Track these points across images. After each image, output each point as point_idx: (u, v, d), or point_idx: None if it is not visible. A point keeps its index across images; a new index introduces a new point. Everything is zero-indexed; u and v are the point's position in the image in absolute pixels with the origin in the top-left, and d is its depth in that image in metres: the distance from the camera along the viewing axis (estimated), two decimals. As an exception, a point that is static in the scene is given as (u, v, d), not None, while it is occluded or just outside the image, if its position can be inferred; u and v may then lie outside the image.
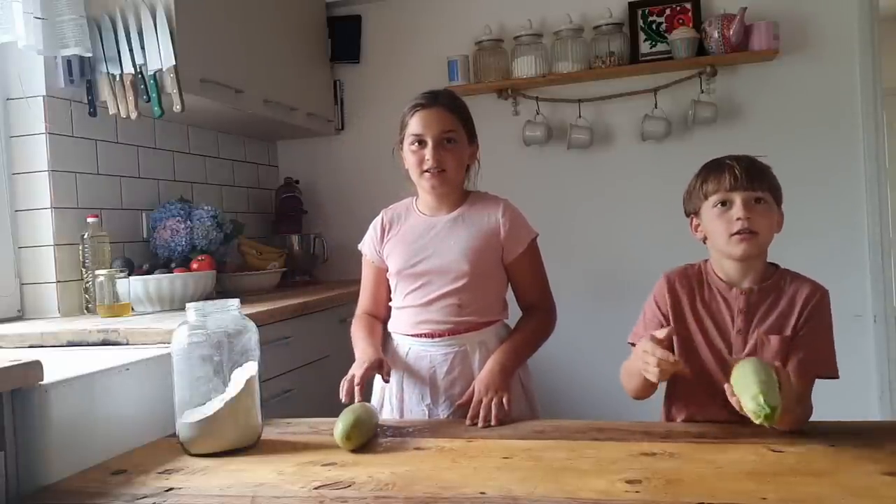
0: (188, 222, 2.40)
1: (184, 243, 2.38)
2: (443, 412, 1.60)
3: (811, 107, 2.87)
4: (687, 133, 2.97)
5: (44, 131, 2.14)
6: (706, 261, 1.44)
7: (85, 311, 2.18)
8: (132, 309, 2.10)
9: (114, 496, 1.14)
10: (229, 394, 1.32)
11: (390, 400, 1.65)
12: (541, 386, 1.77)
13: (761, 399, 1.09)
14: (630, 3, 2.99)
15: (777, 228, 1.38)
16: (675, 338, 1.39)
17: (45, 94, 2.14)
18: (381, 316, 1.73)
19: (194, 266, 2.28)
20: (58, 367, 1.37)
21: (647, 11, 2.97)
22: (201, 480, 1.18)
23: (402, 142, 1.65)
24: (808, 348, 1.31)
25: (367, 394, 1.54)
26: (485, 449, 1.28)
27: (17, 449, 1.23)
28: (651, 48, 2.97)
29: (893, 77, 3.41)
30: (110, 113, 2.25)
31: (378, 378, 1.59)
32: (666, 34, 2.93)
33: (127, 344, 1.73)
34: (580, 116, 3.05)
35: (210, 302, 1.38)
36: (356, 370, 1.53)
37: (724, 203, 1.35)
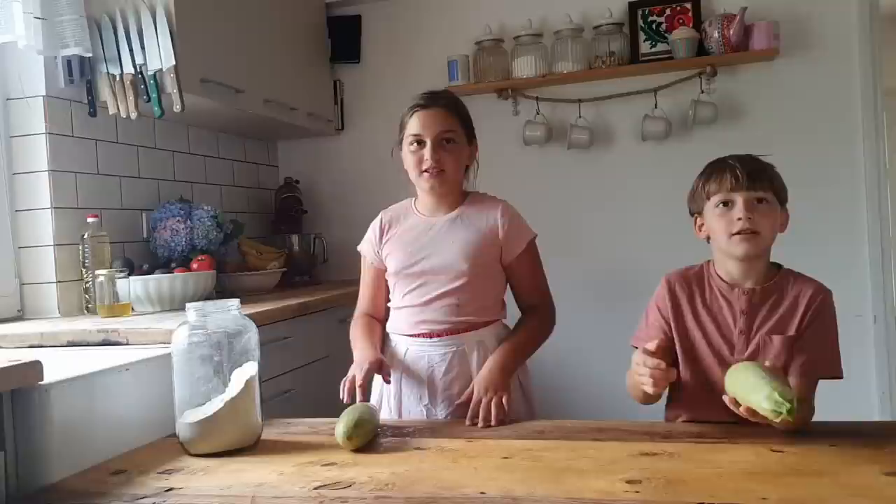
0: (188, 222, 2.40)
1: (184, 243, 2.38)
2: (441, 412, 1.60)
3: (811, 107, 2.87)
4: (687, 133, 2.97)
5: (44, 131, 2.14)
6: (709, 261, 1.44)
7: (85, 311, 2.18)
8: (132, 309, 2.10)
9: (114, 496, 1.14)
10: (229, 394, 1.32)
11: (388, 400, 1.65)
12: (540, 386, 1.77)
13: (776, 395, 1.08)
14: (630, 3, 2.99)
15: (781, 228, 1.38)
16: (676, 340, 1.39)
17: (45, 94, 2.14)
18: (380, 317, 1.74)
19: (194, 266, 2.28)
20: (58, 367, 1.37)
21: (647, 11, 2.97)
22: (201, 480, 1.18)
23: (401, 142, 1.65)
24: (813, 349, 1.31)
25: (366, 394, 1.54)
26: (485, 449, 1.28)
27: (17, 449, 1.23)
28: (651, 48, 2.97)
29: (893, 77, 3.41)
30: (110, 113, 2.25)
31: (377, 378, 1.59)
32: (666, 34, 2.93)
33: (127, 344, 1.73)
34: (580, 116, 3.05)
35: (210, 302, 1.38)
36: (356, 371, 1.53)
37: (725, 203, 1.35)
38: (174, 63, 2.20)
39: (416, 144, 1.61)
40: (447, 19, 3.22)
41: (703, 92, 2.93)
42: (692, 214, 1.45)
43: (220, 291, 2.50)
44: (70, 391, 1.30)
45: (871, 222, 2.84)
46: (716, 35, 2.81)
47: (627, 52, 2.98)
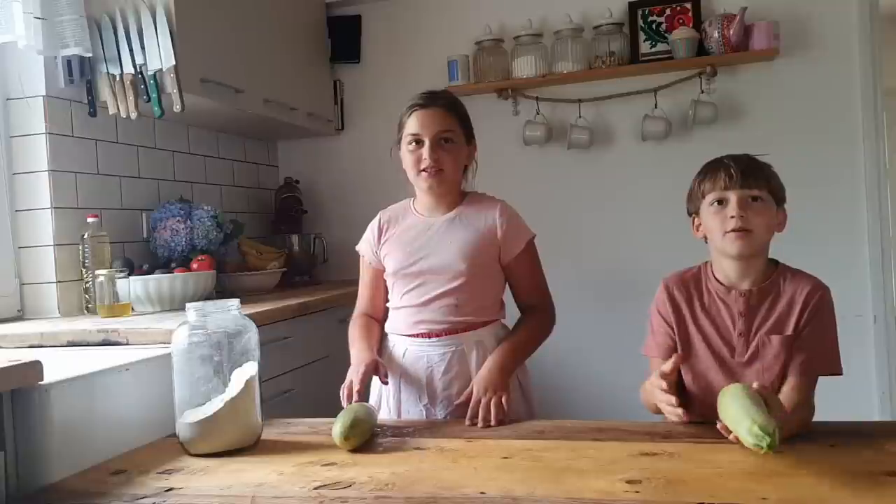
0: (188, 222, 2.40)
1: (184, 243, 2.38)
2: (440, 412, 1.60)
3: (811, 107, 2.87)
4: (687, 133, 2.97)
5: (44, 131, 2.14)
6: (706, 263, 1.43)
7: (85, 311, 2.18)
8: (132, 309, 2.10)
9: (114, 496, 1.14)
10: (229, 394, 1.32)
11: (388, 400, 1.65)
12: (540, 385, 1.77)
13: (756, 429, 1.07)
14: (630, 3, 2.99)
15: (779, 228, 1.38)
16: (678, 343, 1.39)
17: (45, 94, 2.14)
18: (378, 316, 1.74)
19: (194, 266, 2.28)
20: (58, 367, 1.37)
21: (647, 11, 2.97)
22: (201, 480, 1.18)
23: (399, 142, 1.65)
24: (811, 348, 1.31)
25: (365, 396, 1.55)
26: (485, 449, 1.28)
27: (17, 449, 1.23)
28: (651, 48, 2.96)
29: (893, 77, 3.41)
30: (110, 113, 2.25)
31: (376, 378, 1.60)
32: (666, 34, 2.93)
33: (127, 344, 1.73)
34: (580, 116, 3.05)
35: (210, 302, 1.38)
36: (353, 375, 1.54)
37: (720, 202, 1.35)
38: (174, 63, 2.20)
39: (414, 144, 1.60)
40: (447, 19, 3.22)
41: (703, 92, 2.92)
42: (690, 215, 1.45)
43: (220, 291, 2.50)
44: (70, 391, 1.30)
45: (871, 222, 2.84)
46: (716, 35, 2.81)
47: (627, 52, 2.98)
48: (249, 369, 1.36)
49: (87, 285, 2.16)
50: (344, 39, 3.30)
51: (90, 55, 2.16)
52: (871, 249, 2.84)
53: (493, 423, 1.43)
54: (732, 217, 1.32)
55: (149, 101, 2.22)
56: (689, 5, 2.92)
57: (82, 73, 2.21)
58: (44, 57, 2.10)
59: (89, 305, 2.16)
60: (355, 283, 1.82)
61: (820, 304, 1.33)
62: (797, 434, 1.22)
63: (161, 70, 2.21)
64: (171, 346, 1.35)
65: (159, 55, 2.20)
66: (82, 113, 2.24)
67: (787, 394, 1.29)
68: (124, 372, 1.44)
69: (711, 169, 1.38)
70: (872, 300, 2.84)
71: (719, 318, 1.37)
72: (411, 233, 1.66)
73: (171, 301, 2.15)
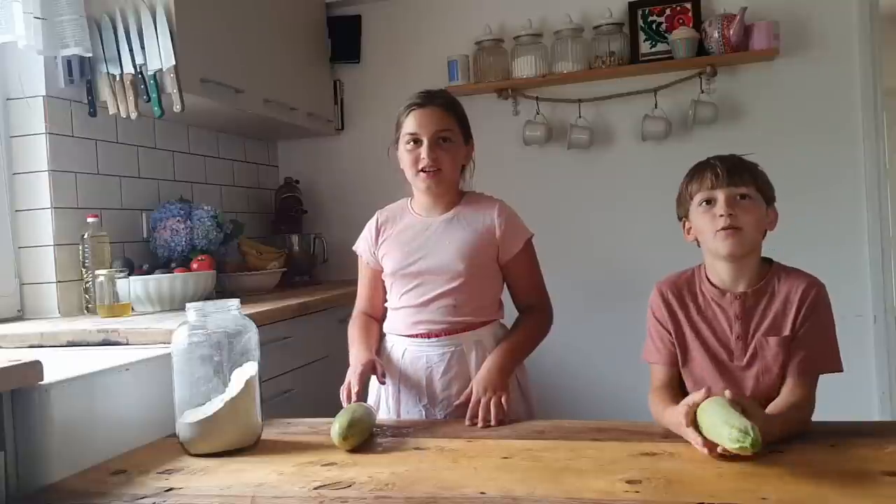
0: (188, 222, 2.40)
1: (184, 243, 2.38)
2: (439, 413, 1.60)
3: (811, 107, 2.87)
4: (687, 133, 2.97)
5: (44, 131, 2.14)
6: (700, 266, 1.42)
7: (85, 311, 2.18)
8: (132, 309, 2.10)
9: (114, 496, 1.14)
10: (229, 394, 1.32)
11: (387, 401, 1.64)
12: (539, 384, 1.77)
13: (735, 433, 1.07)
14: (630, 3, 2.99)
15: (770, 227, 1.37)
16: (677, 348, 1.38)
17: (45, 94, 2.14)
18: (377, 315, 1.74)
19: (194, 266, 2.28)
20: (58, 367, 1.37)
21: (647, 11, 2.97)
22: (201, 480, 1.19)
23: (397, 141, 1.65)
24: (809, 347, 1.30)
25: (363, 396, 1.55)
26: (485, 449, 1.28)
27: (17, 449, 1.23)
28: (651, 48, 2.96)
29: (893, 77, 3.40)
30: (110, 113, 2.25)
31: (375, 380, 1.60)
32: (666, 34, 2.93)
33: (127, 344, 1.73)
34: (580, 116, 3.05)
35: (210, 302, 1.38)
36: (352, 376, 1.54)
37: (708, 201, 1.34)
38: (174, 63, 2.20)
39: (412, 143, 1.60)
40: (447, 19, 3.22)
41: (703, 92, 2.93)
42: (680, 219, 1.44)
43: (220, 291, 2.50)
44: (70, 391, 1.30)
45: (871, 222, 2.84)
46: (716, 35, 2.81)
47: (627, 52, 2.98)
48: (249, 369, 1.36)
49: (87, 285, 2.16)
50: (344, 39, 3.30)
51: (90, 55, 2.16)
52: (871, 249, 2.84)
53: (492, 422, 1.43)
54: (721, 215, 1.30)
55: (149, 101, 2.22)
56: (689, 5, 2.92)
57: (82, 73, 2.21)
58: (44, 57, 2.10)
59: (89, 305, 2.16)
60: (355, 283, 1.82)
61: (816, 302, 1.31)
62: (797, 433, 1.22)
63: (161, 70, 2.21)
64: (171, 346, 1.35)
65: (159, 55, 2.20)
66: (82, 113, 2.24)
67: (786, 394, 1.28)
68: (124, 372, 1.45)
69: (698, 170, 1.37)
70: (872, 300, 2.84)
71: (716, 322, 1.36)
72: (409, 233, 1.66)
73: (171, 301, 2.15)
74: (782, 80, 2.89)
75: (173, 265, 2.26)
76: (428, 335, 1.61)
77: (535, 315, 1.67)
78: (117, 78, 2.22)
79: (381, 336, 1.70)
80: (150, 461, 1.30)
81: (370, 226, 1.73)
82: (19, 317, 2.15)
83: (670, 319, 1.39)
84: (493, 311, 1.67)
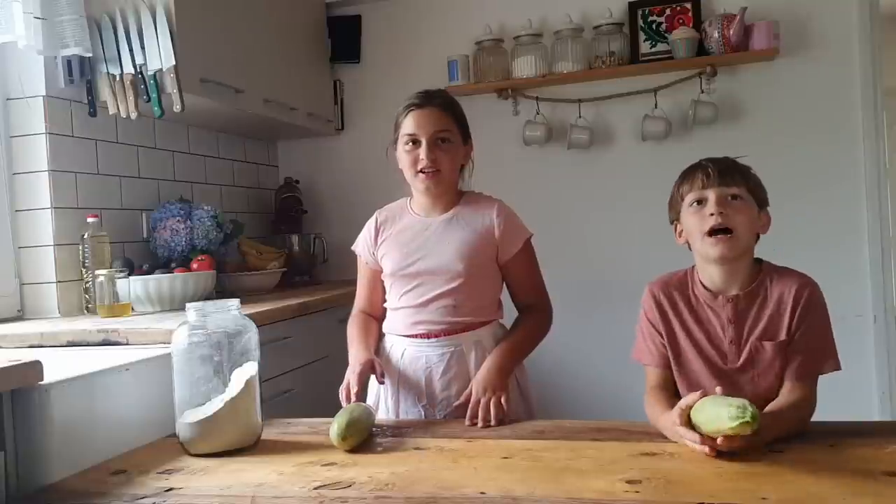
0: (188, 222, 2.40)
1: (184, 243, 2.38)
2: (439, 413, 1.60)
3: (811, 107, 2.87)
4: (687, 133, 2.97)
5: (44, 131, 2.14)
6: (692, 267, 1.40)
7: (85, 311, 2.18)
8: (132, 309, 2.10)
9: (114, 496, 1.14)
10: (229, 394, 1.32)
11: (386, 401, 1.64)
12: (539, 383, 1.77)
13: (733, 410, 1.07)
14: (630, 3, 2.99)
15: (763, 230, 1.35)
16: (668, 350, 1.36)
17: (45, 94, 2.14)
18: (377, 314, 1.74)
19: (194, 266, 2.28)
20: (58, 367, 1.37)
21: (647, 11, 2.97)
22: (201, 480, 1.19)
23: (395, 142, 1.65)
24: (807, 350, 1.29)
25: (363, 396, 1.54)
26: (485, 449, 1.28)
27: (17, 449, 1.23)
28: (651, 48, 2.97)
29: (893, 77, 3.41)
30: (110, 113, 2.25)
31: (374, 380, 1.60)
32: (666, 34, 2.93)
33: (127, 344, 1.73)
34: (580, 116, 3.05)
35: (210, 302, 1.38)
36: (350, 376, 1.54)
37: (699, 202, 1.32)
38: (174, 63, 2.20)
39: (411, 144, 1.60)
40: (447, 19, 3.22)
41: (703, 92, 2.93)
42: (672, 222, 1.42)
43: (220, 291, 2.50)
44: (70, 391, 1.30)
45: (871, 222, 2.84)
46: (716, 35, 2.81)
47: (627, 52, 2.98)
48: (249, 369, 1.36)
49: (87, 285, 2.16)
50: (344, 39, 3.30)
51: (90, 55, 2.16)
52: (871, 249, 2.84)
53: (492, 422, 1.43)
54: (712, 214, 1.29)
55: (149, 101, 2.22)
56: (689, 5, 2.92)
57: (82, 73, 2.21)
58: (44, 57, 2.10)
59: (89, 305, 2.16)
60: (355, 283, 1.81)
61: (809, 303, 1.30)
62: (796, 433, 1.22)
63: (161, 70, 2.21)
64: (171, 346, 1.35)
65: (159, 55, 2.20)
66: (82, 113, 2.24)
67: (784, 395, 1.28)
68: (124, 372, 1.44)
69: (689, 171, 1.36)
70: (872, 300, 2.84)
71: (710, 326, 1.34)
72: (408, 233, 1.66)
73: (171, 301, 2.15)
74: (782, 80, 2.89)
75: (173, 265, 2.26)
76: (427, 335, 1.61)
77: (535, 315, 1.67)
78: (117, 78, 2.22)
79: (381, 336, 1.70)
80: (150, 461, 1.30)
81: (369, 226, 1.73)
82: (19, 317, 2.15)
83: (662, 321, 1.38)
84: (493, 311, 1.67)
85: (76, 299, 2.20)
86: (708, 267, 1.35)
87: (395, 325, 1.66)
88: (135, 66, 2.22)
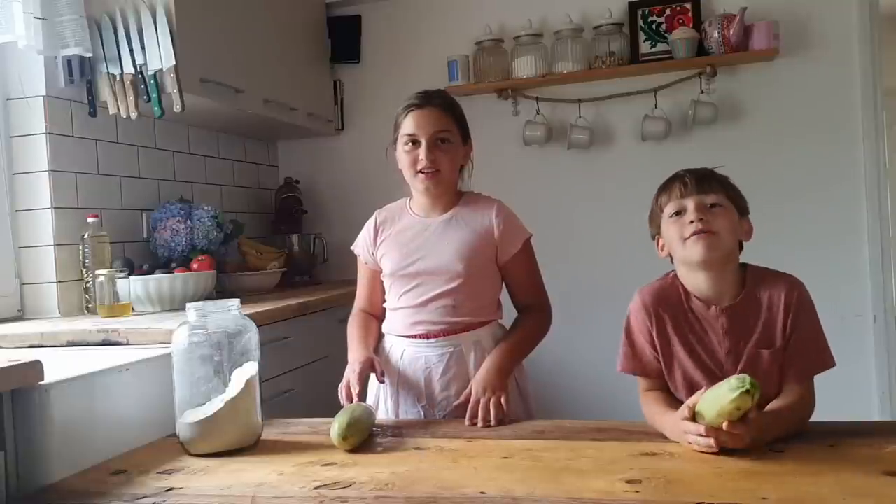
0: (188, 222, 2.40)
1: (184, 243, 2.38)
2: (438, 413, 1.59)
3: (811, 107, 2.87)
4: (687, 133, 2.97)
5: (44, 131, 2.14)
6: (675, 277, 1.38)
7: (85, 311, 2.18)
8: (132, 309, 2.10)
9: (114, 496, 1.14)
10: (229, 394, 1.32)
11: (386, 402, 1.64)
12: (539, 383, 1.77)
13: (733, 382, 1.10)
14: (630, 3, 2.99)
15: (745, 237, 1.34)
16: (661, 361, 1.35)
17: (45, 94, 2.14)
18: (377, 314, 1.74)
19: (194, 266, 2.28)
20: (58, 367, 1.37)
21: (647, 11, 2.97)
22: (201, 480, 1.19)
23: (395, 142, 1.65)
24: (802, 353, 1.29)
25: (363, 396, 1.55)
26: (485, 449, 1.28)
27: (17, 449, 1.23)
28: (651, 48, 2.97)
29: (893, 77, 3.41)
30: (110, 113, 2.25)
31: (374, 380, 1.60)
32: (666, 34, 2.93)
33: (127, 344, 1.73)
34: (580, 116, 3.05)
35: (210, 302, 1.38)
36: (350, 375, 1.54)
37: (678, 212, 1.32)
38: (174, 63, 2.20)
39: (410, 144, 1.60)
40: (447, 19, 3.22)
41: (702, 92, 2.92)
42: (653, 237, 1.41)
43: (220, 291, 2.50)
44: (70, 391, 1.30)
45: (871, 222, 2.83)
46: (716, 35, 2.81)
47: (627, 52, 2.98)
48: (249, 369, 1.36)
49: (88, 285, 2.16)
50: (344, 39, 3.30)
51: (90, 55, 2.16)
52: (871, 249, 2.84)
53: (492, 422, 1.43)
54: (692, 222, 1.28)
55: (149, 101, 2.22)
56: (689, 5, 2.92)
57: (82, 73, 2.21)
58: (44, 57, 2.10)
59: (89, 305, 2.16)
60: (355, 283, 1.82)
61: (800, 305, 1.29)
62: (795, 432, 1.22)
63: (161, 70, 2.21)
64: (171, 346, 1.35)
65: (159, 55, 2.21)
66: (82, 113, 2.24)
67: (784, 396, 1.28)
68: (124, 372, 1.45)
69: (667, 183, 1.36)
70: (872, 300, 2.84)
71: (706, 337, 1.33)
72: (408, 233, 1.66)
73: (171, 301, 2.15)
74: (782, 80, 2.89)
75: (173, 265, 2.26)
76: (427, 336, 1.61)
77: (535, 315, 1.67)
78: (117, 78, 2.22)
79: (380, 336, 1.70)
80: (150, 461, 1.30)
81: (368, 226, 1.73)
82: (19, 317, 2.15)
83: (658, 335, 1.35)
84: (492, 311, 1.67)
85: (76, 299, 2.20)
86: (693, 276, 1.33)
87: (395, 326, 1.66)
88: (135, 66, 2.22)
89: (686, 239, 1.29)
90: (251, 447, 1.34)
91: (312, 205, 3.34)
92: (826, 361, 1.30)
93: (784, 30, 2.85)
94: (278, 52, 2.88)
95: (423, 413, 1.60)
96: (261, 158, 3.36)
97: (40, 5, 2.00)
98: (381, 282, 1.70)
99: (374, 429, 1.41)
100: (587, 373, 3.02)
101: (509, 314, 1.70)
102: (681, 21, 2.92)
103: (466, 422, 1.45)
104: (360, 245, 1.74)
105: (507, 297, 1.72)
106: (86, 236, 2.17)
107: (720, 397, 1.12)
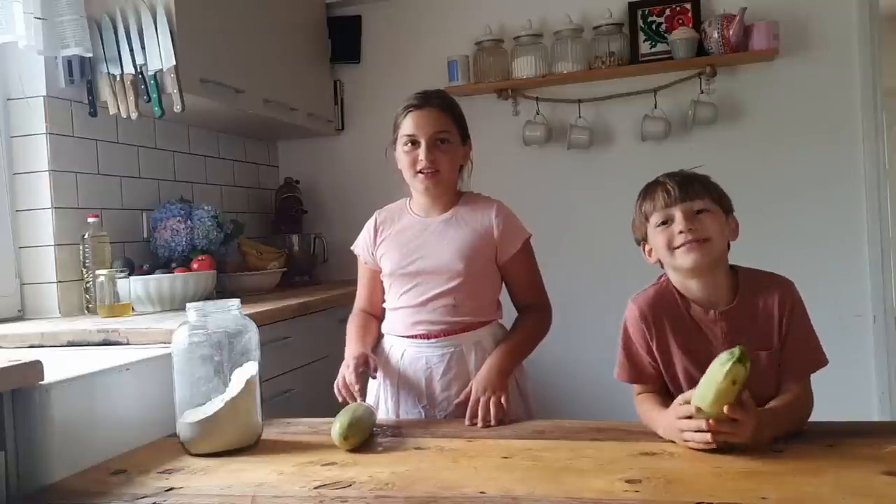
0: (188, 222, 2.40)
1: (184, 243, 2.38)
2: (439, 414, 1.60)
3: (811, 107, 2.87)
4: (686, 133, 2.97)
5: (44, 131, 2.14)
6: (667, 282, 1.37)
7: (85, 311, 2.18)
8: (132, 309, 2.10)
9: (114, 496, 1.14)
10: (229, 394, 1.32)
11: (386, 402, 1.64)
12: (539, 382, 1.77)
13: (723, 357, 1.12)
14: (630, 4, 3.00)
15: (732, 236, 1.33)
16: (661, 367, 1.35)
17: (45, 94, 2.14)
18: (377, 313, 1.74)
19: (194, 266, 2.28)
20: (58, 367, 1.37)
21: (647, 11, 2.97)
22: (201, 480, 1.19)
23: (394, 142, 1.65)
24: (798, 353, 1.29)
25: (363, 391, 1.55)
26: (485, 449, 1.28)
27: (17, 449, 1.23)
28: (651, 48, 2.97)
29: (893, 77, 3.41)
30: (110, 113, 2.26)
31: (373, 380, 1.60)
32: (666, 34, 2.93)
33: (127, 344, 1.73)
34: (580, 116, 3.05)
35: (210, 302, 1.38)
36: (344, 370, 1.54)
37: (665, 222, 1.30)
38: (174, 63, 2.20)
39: (410, 145, 1.60)
40: (447, 19, 3.22)
41: (702, 92, 2.92)
42: (638, 243, 1.40)
43: (220, 291, 2.50)
44: (70, 391, 1.30)
45: (871, 222, 2.83)
46: (715, 35, 2.81)
47: (627, 52, 2.98)
48: (250, 369, 1.36)
49: (88, 285, 2.16)
50: (344, 39, 3.30)
51: (90, 55, 2.16)
52: (871, 249, 2.84)
53: (492, 422, 1.43)
54: (681, 232, 1.27)
55: (149, 101, 2.22)
56: (688, 5, 2.92)
57: (82, 73, 2.21)
58: (44, 57, 2.10)
59: (90, 305, 2.16)
60: (355, 282, 1.82)
61: (792, 305, 1.29)
62: (795, 431, 1.23)
63: (161, 70, 2.21)
64: (171, 346, 1.35)
65: (159, 55, 2.21)
66: (83, 113, 2.25)
67: (782, 396, 1.28)
68: (124, 372, 1.45)
69: (649, 190, 1.34)
70: (872, 300, 2.84)
71: (705, 342, 1.32)
72: (408, 233, 1.66)
73: (171, 301, 2.15)
74: (782, 80, 2.89)
75: (174, 265, 2.26)
76: (427, 336, 1.61)
77: (535, 315, 1.67)
78: (118, 78, 2.22)
79: (380, 335, 1.70)
80: (150, 461, 1.30)
81: (368, 226, 1.73)
82: (20, 317, 2.16)
83: (657, 342, 1.34)
84: (492, 311, 1.67)
85: (77, 299, 2.20)
86: (686, 282, 1.33)
87: (395, 326, 1.66)
88: (135, 67, 2.22)
89: (676, 248, 1.28)
90: (251, 447, 1.34)
91: (312, 205, 3.34)
92: (819, 360, 1.31)
93: (784, 30, 2.85)
94: (278, 52, 2.88)
95: (423, 413, 1.60)
96: (261, 158, 3.36)
97: (40, 5, 2.00)
98: (381, 282, 1.70)
99: (375, 428, 1.41)
100: (587, 373, 3.02)
101: (509, 314, 1.70)
102: (680, 21, 2.92)
103: (466, 421, 1.45)
104: (360, 245, 1.74)
105: (507, 297, 1.72)
106: (86, 236, 2.17)
107: (713, 376, 1.12)
